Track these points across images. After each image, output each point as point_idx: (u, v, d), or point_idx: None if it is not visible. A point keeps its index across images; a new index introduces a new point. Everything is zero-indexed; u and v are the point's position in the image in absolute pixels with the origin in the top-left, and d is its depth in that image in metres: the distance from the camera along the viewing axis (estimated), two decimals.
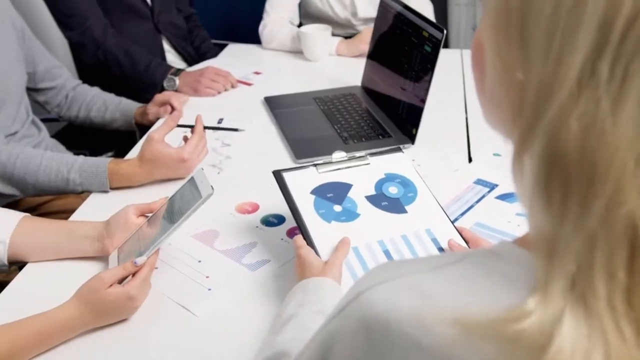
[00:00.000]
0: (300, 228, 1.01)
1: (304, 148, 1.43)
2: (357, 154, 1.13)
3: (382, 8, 1.64)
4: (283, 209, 1.22)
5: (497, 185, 1.28)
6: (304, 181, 1.07)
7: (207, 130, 1.44)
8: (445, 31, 1.33)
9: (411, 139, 1.44)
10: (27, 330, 0.88)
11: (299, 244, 0.97)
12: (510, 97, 0.44)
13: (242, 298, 1.01)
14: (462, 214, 1.20)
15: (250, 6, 3.13)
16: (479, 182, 1.30)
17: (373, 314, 0.47)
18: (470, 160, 1.40)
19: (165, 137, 1.28)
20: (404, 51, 1.48)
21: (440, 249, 1.01)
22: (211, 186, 0.98)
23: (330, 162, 1.10)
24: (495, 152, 1.42)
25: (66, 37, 1.93)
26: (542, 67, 0.40)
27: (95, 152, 1.71)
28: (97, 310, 0.91)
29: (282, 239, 1.15)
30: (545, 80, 0.40)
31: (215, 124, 1.58)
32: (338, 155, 1.11)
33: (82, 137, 1.92)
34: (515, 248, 0.48)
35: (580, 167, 0.38)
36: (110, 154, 1.88)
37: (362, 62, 1.92)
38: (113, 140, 1.91)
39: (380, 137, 1.48)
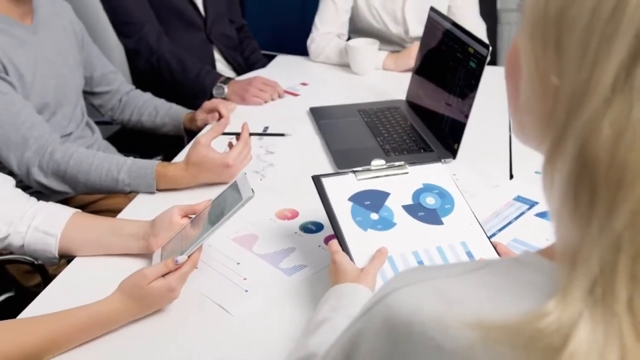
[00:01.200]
0: (336, 233, 1.02)
1: (346, 158, 1.45)
2: (396, 162, 1.14)
3: (430, 24, 1.66)
4: (322, 216, 1.24)
5: (537, 203, 1.28)
6: (342, 187, 1.09)
7: (252, 138, 1.48)
8: (490, 48, 1.34)
9: (453, 153, 1.45)
10: (73, 321, 0.93)
11: (335, 249, 0.99)
12: (544, 102, 0.45)
13: (277, 301, 1.03)
14: (500, 229, 1.20)
15: (300, 19, 3.20)
16: (518, 199, 1.30)
17: (397, 316, 0.49)
18: (511, 176, 1.40)
19: (211, 142, 1.32)
20: (449, 67, 1.49)
21: None
22: (252, 189, 1.01)
23: (369, 170, 1.12)
24: (537, 170, 1.40)
25: (123, 44, 2.01)
26: (577, 73, 0.41)
27: (144, 155, 1.76)
28: (140, 303, 0.95)
29: (319, 246, 1.17)
30: (580, 86, 0.41)
31: (260, 132, 1.62)
32: (377, 162, 1.12)
33: (133, 140, 2.00)
34: (538, 257, 0.49)
35: (610, 171, 0.39)
36: (159, 157, 1.94)
37: (407, 76, 1.94)
38: (162, 144, 1.98)
39: (422, 150, 1.49)
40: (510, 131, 1.61)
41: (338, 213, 1.05)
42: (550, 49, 0.44)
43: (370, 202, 1.08)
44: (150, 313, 0.98)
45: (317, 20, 2.11)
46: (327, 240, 1.18)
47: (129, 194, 1.41)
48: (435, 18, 1.62)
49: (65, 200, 1.51)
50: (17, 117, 1.33)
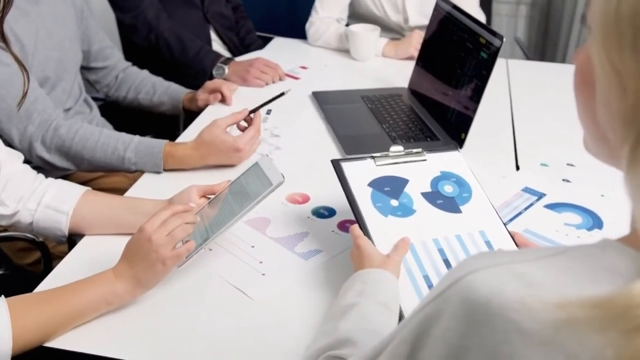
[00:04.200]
0: (357, 218, 1.02)
1: (354, 144, 1.44)
2: (414, 149, 1.14)
3: (437, 12, 1.65)
4: (333, 201, 1.24)
5: (545, 195, 1.29)
6: (362, 172, 1.08)
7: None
8: (504, 39, 1.34)
9: (459, 143, 1.45)
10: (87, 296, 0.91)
11: (357, 234, 0.98)
12: (625, 103, 0.46)
13: (296, 285, 1.03)
14: (511, 219, 1.21)
15: (291, 1, 3.17)
16: (527, 190, 1.31)
17: (474, 297, 0.49)
18: (517, 168, 1.41)
19: (227, 127, 1.31)
20: (459, 56, 1.49)
21: None
22: (282, 174, 1.00)
23: (388, 155, 1.11)
24: (543, 162, 1.42)
25: (119, 19, 1.96)
26: None
27: (132, 133, 1.74)
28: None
29: (333, 231, 1.16)
30: None
31: (264, 116, 1.59)
32: (395, 148, 1.12)
33: (121, 118, 1.95)
34: (619, 244, 0.49)
35: None
36: (149, 136, 1.90)
37: (406, 64, 1.94)
38: (152, 123, 1.94)
39: (428, 139, 1.49)
40: (513, 122, 1.62)
41: (359, 198, 1.04)
42: (627, 50, 0.44)
43: (389, 188, 1.07)
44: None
45: (317, 3, 2.09)
46: (340, 225, 1.18)
47: (130, 173, 1.38)
48: (444, 7, 1.62)
49: (63, 178, 1.47)
50: (21, 89, 1.29)
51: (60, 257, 1.38)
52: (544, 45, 3.23)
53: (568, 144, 1.52)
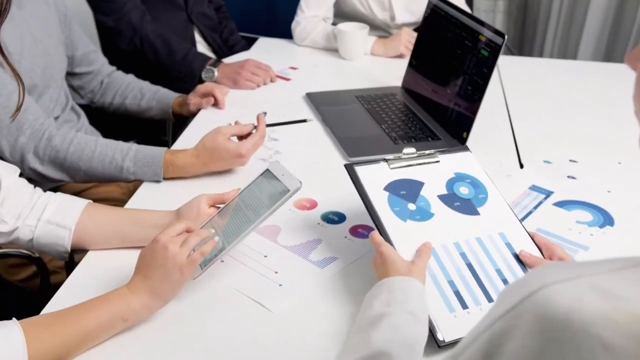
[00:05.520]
0: (376, 224, 0.99)
1: (356, 147, 1.42)
2: (426, 151, 1.11)
3: (431, 10, 1.63)
4: (342, 205, 1.22)
5: (552, 192, 1.28)
6: (377, 176, 1.06)
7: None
8: (506, 36, 1.33)
9: (461, 142, 1.43)
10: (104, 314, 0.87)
11: (379, 241, 0.95)
12: None
13: (315, 295, 1.00)
14: (523, 219, 1.20)
15: (268, 1, 3.12)
16: (534, 188, 1.30)
17: (551, 314, 0.47)
18: (521, 166, 1.40)
19: (231, 136, 1.27)
20: (457, 54, 1.47)
21: (515, 255, 1.00)
22: (299, 180, 0.96)
23: (401, 158, 1.09)
24: (546, 160, 1.42)
25: (100, 22, 1.90)
26: None
27: (116, 138, 1.68)
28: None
29: (345, 237, 1.13)
30: None
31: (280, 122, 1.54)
32: (408, 150, 1.10)
33: (105, 124, 1.89)
34: None
35: None
36: (133, 141, 1.85)
37: (396, 61, 1.93)
38: (136, 128, 1.88)
39: (429, 139, 1.47)
40: (510, 120, 1.62)
41: (376, 203, 1.02)
42: None
43: (405, 191, 1.05)
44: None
45: (303, 2, 2.05)
46: (352, 231, 1.15)
47: (121, 183, 1.33)
48: (437, 4, 1.60)
49: (54, 189, 1.41)
50: (9, 99, 1.23)
51: (56, 271, 1.33)
52: (521, 40, 3.25)
53: (568, 139, 1.53)
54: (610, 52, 3.01)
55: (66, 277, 1.31)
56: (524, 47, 3.25)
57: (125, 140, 1.83)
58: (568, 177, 1.35)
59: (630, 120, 0.55)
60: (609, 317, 0.44)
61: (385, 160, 1.09)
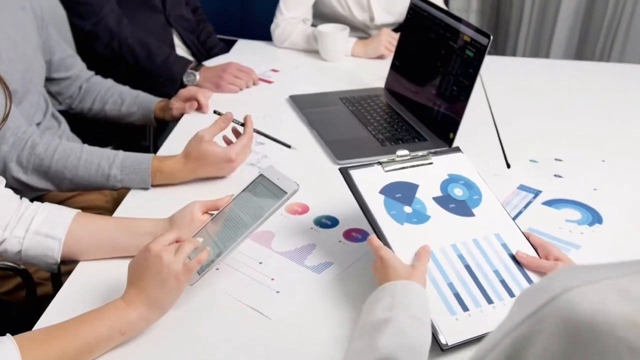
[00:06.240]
0: (373, 228, 0.99)
1: (344, 149, 1.41)
2: (419, 152, 1.11)
3: (414, 11, 1.63)
4: (334, 209, 1.21)
5: (540, 192, 1.30)
6: (372, 180, 1.05)
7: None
8: (491, 37, 1.34)
9: (448, 143, 1.44)
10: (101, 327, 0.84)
11: (378, 245, 0.95)
12: None
13: (313, 301, 0.99)
14: (513, 218, 1.20)
15: (240, 2, 3.09)
16: (522, 187, 1.31)
17: (575, 317, 0.47)
18: (508, 166, 1.41)
19: (214, 137, 1.25)
20: (441, 55, 1.48)
21: (511, 255, 1.01)
22: (295, 182, 0.96)
23: (395, 160, 1.09)
24: (532, 159, 1.43)
25: (77, 26, 1.86)
26: None
27: (92, 144, 1.65)
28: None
29: (339, 241, 1.13)
30: None
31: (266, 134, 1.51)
32: (402, 152, 1.10)
33: (84, 130, 1.85)
34: None
35: None
36: (110, 147, 1.81)
37: (377, 62, 1.93)
38: (113, 134, 1.85)
39: (416, 140, 1.47)
40: (494, 120, 1.63)
41: (372, 207, 1.01)
42: None
43: (401, 194, 1.05)
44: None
45: (282, 4, 2.04)
46: (346, 235, 1.14)
47: (104, 191, 1.30)
48: (420, 5, 1.60)
49: (37, 199, 1.37)
50: None
51: (41, 283, 1.29)
52: (495, 39, 3.29)
53: (553, 138, 1.54)
54: (581, 50, 3.07)
55: (52, 288, 1.29)
56: (498, 46, 3.29)
57: (102, 146, 1.80)
58: (555, 175, 1.37)
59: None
60: (633, 320, 0.44)
61: (379, 163, 1.08)
